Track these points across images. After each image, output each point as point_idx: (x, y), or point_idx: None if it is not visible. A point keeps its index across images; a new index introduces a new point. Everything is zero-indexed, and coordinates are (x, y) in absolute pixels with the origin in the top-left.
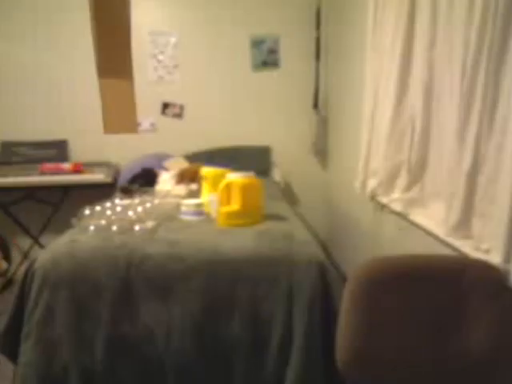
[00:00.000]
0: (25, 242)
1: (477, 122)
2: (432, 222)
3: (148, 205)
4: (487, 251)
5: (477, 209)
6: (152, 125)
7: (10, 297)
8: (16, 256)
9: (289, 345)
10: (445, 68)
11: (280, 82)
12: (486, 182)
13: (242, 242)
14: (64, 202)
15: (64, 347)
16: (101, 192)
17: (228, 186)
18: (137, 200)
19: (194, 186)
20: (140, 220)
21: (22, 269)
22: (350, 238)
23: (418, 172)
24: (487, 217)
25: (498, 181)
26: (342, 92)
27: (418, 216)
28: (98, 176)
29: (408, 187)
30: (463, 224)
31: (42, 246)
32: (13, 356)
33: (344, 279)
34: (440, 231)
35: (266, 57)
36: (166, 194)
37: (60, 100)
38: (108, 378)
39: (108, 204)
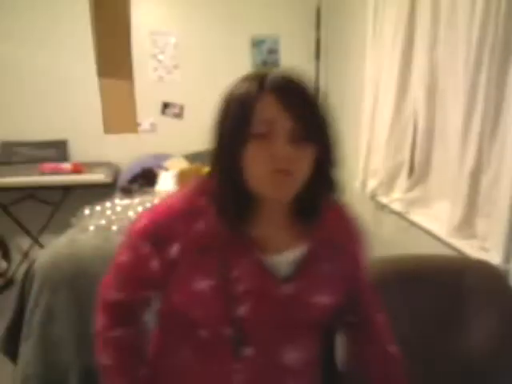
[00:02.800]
0: (25, 242)
1: (480, 122)
2: (434, 222)
3: (148, 205)
4: (490, 250)
5: (480, 209)
6: (152, 125)
7: (10, 297)
8: (16, 256)
9: None
10: (447, 67)
11: None
12: (490, 182)
13: None
14: (64, 201)
15: (64, 347)
16: (101, 192)
17: None
18: (137, 200)
19: None
20: None
21: (22, 269)
22: None
23: (421, 172)
24: (490, 216)
25: (498, 181)
26: (342, 92)
27: (419, 216)
28: (98, 176)
29: (411, 187)
30: (467, 223)
31: (41, 246)
32: (13, 356)
33: None
34: (443, 231)
35: (266, 57)
36: (166, 194)
37: (60, 100)
38: None
39: (108, 204)
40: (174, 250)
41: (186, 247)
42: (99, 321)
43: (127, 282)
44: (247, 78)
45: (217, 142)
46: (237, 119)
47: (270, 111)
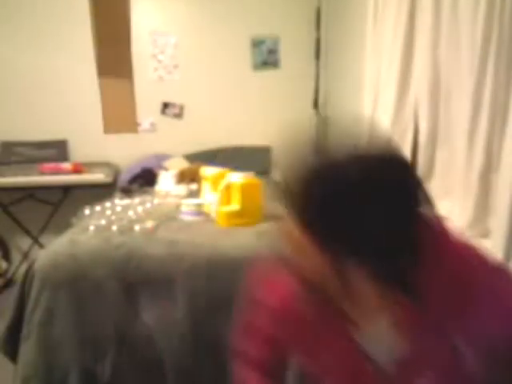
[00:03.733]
0: (25, 242)
1: (487, 120)
2: None
3: (148, 205)
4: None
5: (492, 208)
6: (152, 125)
7: (10, 297)
8: (16, 256)
9: None
10: (450, 66)
11: (280, 81)
12: (498, 181)
13: (242, 241)
14: (64, 202)
15: (64, 347)
16: (101, 192)
17: (228, 186)
18: (137, 200)
19: (193, 186)
20: (140, 220)
21: (22, 269)
22: None
23: (425, 172)
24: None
25: (499, 180)
26: (342, 92)
27: None
28: (98, 176)
29: None
30: (479, 222)
31: (41, 246)
32: (13, 356)
33: None
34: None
35: (266, 57)
36: (166, 194)
37: (60, 100)
38: (109, 378)
39: (108, 204)
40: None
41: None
42: (238, 372)
43: (252, 339)
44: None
45: None
46: None
47: None
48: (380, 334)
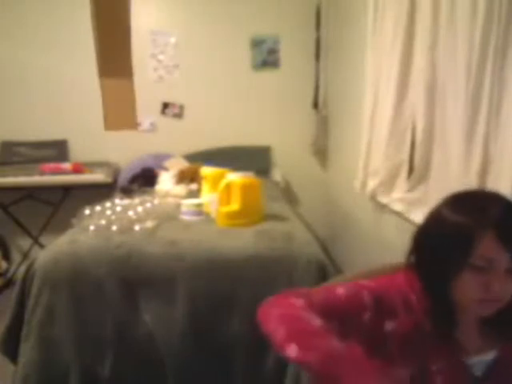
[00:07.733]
0: (25, 242)
1: (485, 121)
2: None
3: (148, 205)
4: None
5: None
6: (152, 125)
7: (10, 297)
8: (16, 256)
9: None
10: (448, 67)
11: (280, 81)
12: (494, 182)
13: (242, 242)
14: (64, 201)
15: (64, 347)
16: (101, 192)
17: (228, 186)
18: (137, 200)
19: (193, 186)
20: (140, 220)
21: (22, 269)
22: (350, 238)
23: (421, 172)
24: None
25: (499, 180)
26: (342, 92)
27: (420, 216)
28: (98, 176)
29: (411, 187)
30: None
31: (42, 246)
32: (13, 356)
33: None
34: None
35: (266, 57)
36: (166, 194)
37: (60, 100)
38: (109, 377)
39: (108, 204)
40: (389, 326)
41: (397, 330)
42: None
43: (333, 313)
44: (465, 203)
45: (430, 259)
46: (456, 248)
47: (491, 249)
48: (479, 360)
